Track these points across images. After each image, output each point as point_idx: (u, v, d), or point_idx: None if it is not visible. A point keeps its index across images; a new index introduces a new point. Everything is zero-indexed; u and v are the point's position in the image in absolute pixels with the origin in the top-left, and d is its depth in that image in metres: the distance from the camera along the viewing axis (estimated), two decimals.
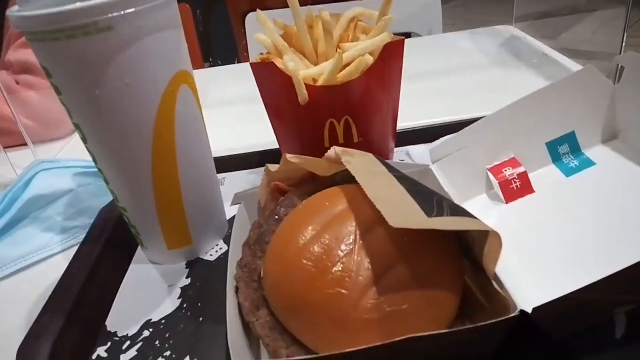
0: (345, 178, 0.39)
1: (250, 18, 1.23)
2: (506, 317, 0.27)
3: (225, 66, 1.01)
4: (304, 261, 0.29)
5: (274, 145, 0.54)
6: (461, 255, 0.32)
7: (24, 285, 0.48)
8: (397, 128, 0.54)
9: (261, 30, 0.50)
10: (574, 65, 0.75)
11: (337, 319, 0.28)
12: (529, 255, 0.35)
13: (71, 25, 0.32)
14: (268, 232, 0.36)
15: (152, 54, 0.35)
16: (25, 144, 0.68)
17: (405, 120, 0.59)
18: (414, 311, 0.28)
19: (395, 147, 0.56)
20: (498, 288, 0.29)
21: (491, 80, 0.76)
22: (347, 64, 0.46)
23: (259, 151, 0.60)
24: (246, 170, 0.59)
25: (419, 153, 0.57)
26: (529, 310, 0.27)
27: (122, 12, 0.33)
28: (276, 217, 0.37)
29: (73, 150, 0.76)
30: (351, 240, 0.30)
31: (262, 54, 0.50)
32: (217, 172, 0.47)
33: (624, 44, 0.70)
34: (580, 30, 2.28)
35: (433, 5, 1.11)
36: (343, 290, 0.28)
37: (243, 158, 0.60)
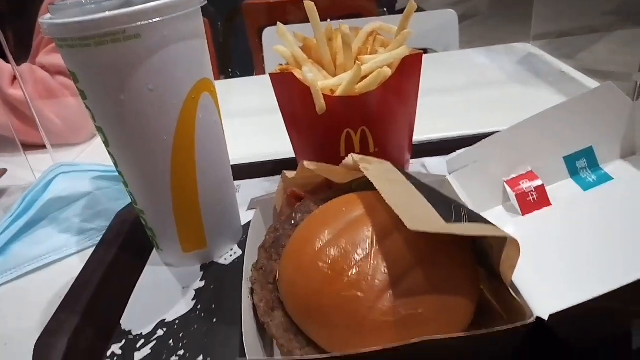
0: (361, 186, 0.39)
1: (267, 32, 1.25)
2: (522, 323, 0.26)
3: (243, 78, 1.02)
4: (320, 264, 0.30)
5: (290, 155, 0.55)
6: (476, 264, 0.32)
7: (41, 284, 0.49)
8: (414, 140, 0.54)
9: (280, 43, 0.51)
10: (592, 83, 0.75)
11: (352, 322, 0.28)
12: (545, 266, 0.35)
13: (101, 32, 0.33)
14: (284, 236, 0.36)
15: (177, 61, 0.36)
16: (44, 147, 0.69)
17: (422, 134, 0.59)
18: (430, 316, 0.28)
19: (411, 158, 0.56)
20: (515, 295, 0.29)
21: (508, 97, 0.76)
22: (365, 76, 0.46)
23: (275, 160, 0.61)
24: (262, 178, 0.59)
25: (435, 165, 0.58)
26: (545, 318, 0.26)
27: (150, 21, 0.34)
28: (292, 222, 0.37)
29: (91, 155, 0.78)
30: (368, 245, 0.30)
31: (281, 64, 0.51)
32: (234, 180, 0.48)
33: None
34: (599, 50, 2.27)
35: (450, 23, 1.12)
36: (359, 293, 0.28)
37: (259, 166, 0.61)
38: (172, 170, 0.40)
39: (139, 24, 0.34)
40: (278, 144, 0.54)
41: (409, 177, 0.34)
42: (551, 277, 0.34)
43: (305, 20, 0.48)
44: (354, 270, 0.29)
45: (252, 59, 1.73)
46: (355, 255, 0.29)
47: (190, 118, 0.39)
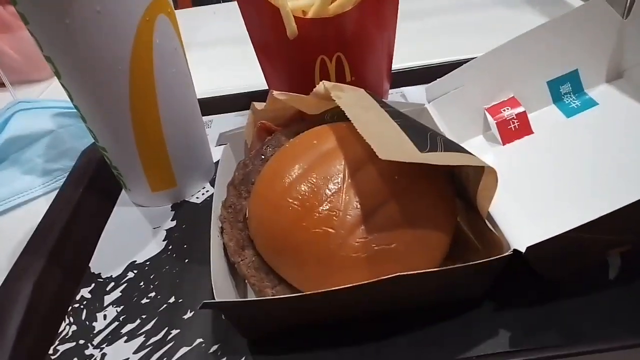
0: (335, 116, 0.37)
1: None
2: (499, 256, 0.26)
3: (214, 5, 0.95)
4: (290, 200, 0.28)
5: (263, 86, 0.52)
6: (454, 195, 0.31)
7: (5, 229, 0.47)
8: (392, 68, 0.51)
9: None
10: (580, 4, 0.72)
11: (323, 258, 0.27)
12: (524, 196, 0.34)
13: None
14: (254, 172, 0.34)
15: None
16: (3, 85, 0.65)
17: (401, 61, 0.56)
18: (403, 250, 0.27)
19: (390, 88, 0.54)
20: (491, 228, 0.28)
21: (492, 20, 0.73)
22: None
23: (247, 92, 0.58)
24: (234, 113, 0.56)
25: (414, 94, 0.55)
26: (523, 250, 0.26)
27: None
28: (262, 157, 0.35)
29: (56, 93, 0.73)
30: (340, 179, 0.28)
31: None
32: (204, 115, 0.45)
33: None
34: None
35: None
36: (330, 229, 0.27)
37: (230, 100, 0.58)
38: (130, 102, 0.37)
39: None
40: (252, 75, 0.51)
41: (384, 104, 0.32)
42: (530, 207, 0.33)
43: None
44: (325, 206, 0.27)
45: None
46: (327, 190, 0.28)
47: (146, 44, 0.35)
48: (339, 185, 0.28)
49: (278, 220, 0.28)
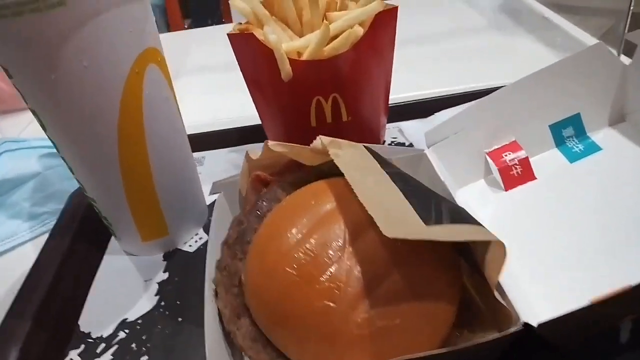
0: (332, 167, 0.36)
1: None
2: (508, 332, 0.24)
3: (206, 28, 0.94)
4: (288, 269, 0.27)
5: (257, 117, 0.50)
6: (458, 259, 0.29)
7: None
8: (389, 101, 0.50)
9: None
10: (576, 31, 0.71)
11: (325, 335, 0.25)
12: (529, 252, 0.32)
13: (17, 1, 0.28)
14: (249, 230, 0.33)
15: (114, 31, 0.31)
16: None
17: (397, 92, 0.55)
18: (408, 325, 0.25)
19: (387, 122, 0.53)
20: (500, 298, 0.27)
21: (488, 47, 0.72)
22: (335, 36, 0.42)
23: (240, 127, 0.57)
24: (227, 149, 0.55)
25: (411, 129, 0.54)
26: (531, 322, 0.24)
27: None
28: (258, 212, 0.34)
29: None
30: (340, 246, 0.27)
31: (240, 23, 0.45)
32: (196, 151, 0.44)
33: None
34: None
35: None
36: (331, 304, 0.25)
37: (223, 135, 0.56)
38: (119, 155, 0.35)
39: None
40: (246, 104, 0.49)
41: (384, 163, 0.31)
42: (536, 265, 0.32)
43: None
44: (325, 277, 0.26)
45: (219, 1, 1.61)
46: (326, 259, 0.27)
47: (136, 95, 0.34)
48: (340, 254, 0.27)
49: (275, 291, 0.27)
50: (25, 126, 0.70)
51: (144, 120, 0.35)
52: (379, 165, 0.30)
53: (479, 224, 0.26)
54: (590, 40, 0.68)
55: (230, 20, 1.23)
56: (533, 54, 0.67)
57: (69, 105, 0.32)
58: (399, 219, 0.25)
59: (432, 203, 0.27)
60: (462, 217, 0.27)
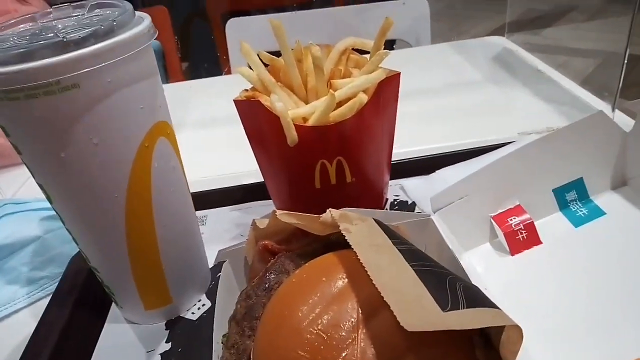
0: (341, 236, 0.36)
1: (232, 24, 1.18)
2: None
3: (207, 79, 0.96)
4: (300, 352, 0.26)
5: (259, 174, 0.50)
6: (471, 335, 0.29)
7: None
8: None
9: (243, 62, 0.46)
10: (568, 83, 0.73)
11: None
12: (537, 319, 0.32)
13: (31, 85, 0.28)
14: (258, 305, 0.32)
15: (124, 109, 0.32)
16: None
17: (398, 146, 0.56)
18: None
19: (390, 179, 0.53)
20: None
21: (484, 100, 0.74)
22: (340, 103, 0.42)
23: (243, 185, 0.57)
24: (229, 207, 0.55)
25: (413, 187, 0.55)
26: None
27: (89, 69, 0.29)
28: (266, 285, 0.33)
29: None
30: (353, 327, 0.27)
31: (246, 90, 0.46)
32: (198, 209, 0.43)
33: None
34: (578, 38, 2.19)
35: (422, 12, 1.08)
36: None
37: (225, 193, 0.56)
38: (126, 227, 0.35)
39: (76, 72, 0.28)
40: (248, 159, 0.49)
41: (395, 238, 0.31)
42: (545, 331, 0.31)
43: (269, 4, 0.43)
44: None
45: (216, 49, 1.64)
46: (339, 341, 0.26)
47: (145, 169, 0.34)
48: (353, 335, 0.26)
49: None
50: (24, 181, 0.70)
51: (152, 192, 0.35)
52: (390, 241, 0.30)
53: (496, 306, 0.26)
54: (581, 92, 0.70)
55: (227, 64, 1.25)
56: (529, 109, 0.69)
57: (77, 182, 0.32)
58: (416, 306, 0.24)
59: (447, 284, 0.27)
60: (477, 299, 0.26)
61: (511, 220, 0.40)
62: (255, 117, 0.44)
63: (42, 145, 0.31)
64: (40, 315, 0.41)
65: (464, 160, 0.53)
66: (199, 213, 0.51)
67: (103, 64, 0.29)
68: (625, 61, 0.62)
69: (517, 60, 0.84)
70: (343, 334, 0.26)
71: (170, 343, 0.39)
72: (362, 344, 0.26)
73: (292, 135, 0.42)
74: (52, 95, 0.29)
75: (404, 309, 0.24)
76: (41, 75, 0.28)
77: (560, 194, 0.40)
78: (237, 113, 0.46)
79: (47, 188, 0.34)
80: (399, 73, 0.45)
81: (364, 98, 0.42)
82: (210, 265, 0.45)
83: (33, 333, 0.39)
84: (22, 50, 0.28)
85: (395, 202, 0.53)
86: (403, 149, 0.60)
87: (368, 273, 0.26)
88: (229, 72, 1.11)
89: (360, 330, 0.26)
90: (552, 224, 0.40)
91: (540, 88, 0.73)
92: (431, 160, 0.56)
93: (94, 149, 0.31)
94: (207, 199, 0.54)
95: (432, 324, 0.23)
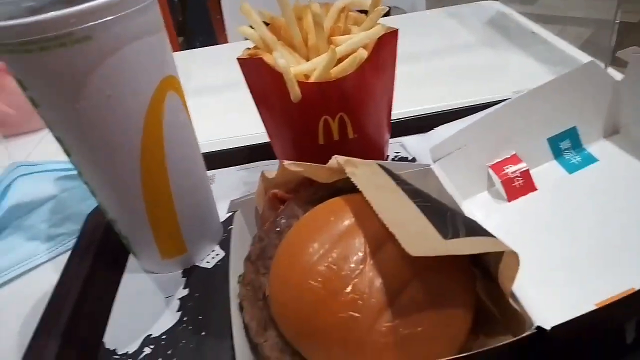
0: (346, 184, 0.38)
1: None
2: (522, 336, 0.26)
3: (206, 48, 0.96)
4: (312, 283, 0.28)
5: (264, 134, 0.52)
6: (470, 266, 0.31)
7: (14, 298, 0.46)
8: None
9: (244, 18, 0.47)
10: (563, 45, 0.74)
11: (351, 344, 0.27)
12: (535, 259, 0.34)
13: (44, 37, 0.29)
14: (270, 246, 0.34)
15: (135, 62, 0.33)
16: None
17: (397, 107, 0.57)
18: (430, 333, 0.27)
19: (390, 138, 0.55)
20: (514, 305, 0.29)
21: (480, 63, 0.75)
22: (340, 59, 0.44)
23: (250, 146, 0.58)
24: (237, 167, 0.57)
25: (413, 144, 0.56)
26: (543, 325, 0.26)
27: (100, 21, 0.30)
28: (278, 229, 0.35)
29: (50, 144, 0.73)
30: (361, 259, 0.29)
31: (249, 48, 0.47)
32: (207, 169, 0.45)
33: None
34: None
35: None
36: (356, 314, 0.27)
37: (233, 153, 0.58)
38: (142, 178, 0.37)
39: (87, 25, 0.30)
40: (252, 122, 0.51)
41: (398, 179, 0.33)
42: (542, 271, 0.33)
43: None
44: (349, 289, 0.28)
45: (211, 22, 1.63)
46: (349, 272, 0.28)
47: (157, 122, 0.36)
48: (362, 266, 0.28)
49: (301, 304, 0.28)
50: (32, 149, 0.72)
51: (164, 145, 0.37)
52: (393, 182, 0.32)
53: (492, 236, 0.28)
54: (575, 52, 0.71)
55: (223, 39, 1.25)
56: (524, 69, 0.70)
57: (92, 133, 0.34)
58: (419, 236, 0.26)
59: (447, 217, 0.29)
60: (475, 229, 0.28)
61: (507, 168, 0.42)
62: (259, 75, 0.46)
63: (57, 98, 0.32)
64: (62, 270, 0.43)
65: (460, 118, 0.55)
66: (208, 173, 0.53)
67: (114, 16, 0.30)
68: (617, 20, 0.63)
69: (511, 23, 0.85)
70: (352, 265, 0.28)
71: (187, 289, 0.41)
72: (370, 273, 0.28)
73: (295, 92, 0.43)
74: (65, 47, 0.30)
75: (408, 239, 0.25)
76: (54, 27, 0.29)
77: (554, 142, 0.42)
78: (241, 73, 0.47)
79: (64, 141, 0.35)
80: (397, 30, 0.46)
81: (364, 54, 0.44)
82: (222, 219, 0.47)
83: (57, 283, 0.42)
84: (34, 3, 0.29)
85: (396, 159, 0.55)
86: (402, 109, 0.61)
87: (374, 209, 0.28)
88: (225, 41, 1.11)
89: (368, 262, 0.29)
90: (547, 172, 0.42)
91: (535, 50, 0.74)
92: (429, 118, 0.58)
93: (107, 101, 0.33)
94: (214, 160, 0.56)
95: (435, 250, 0.25)
